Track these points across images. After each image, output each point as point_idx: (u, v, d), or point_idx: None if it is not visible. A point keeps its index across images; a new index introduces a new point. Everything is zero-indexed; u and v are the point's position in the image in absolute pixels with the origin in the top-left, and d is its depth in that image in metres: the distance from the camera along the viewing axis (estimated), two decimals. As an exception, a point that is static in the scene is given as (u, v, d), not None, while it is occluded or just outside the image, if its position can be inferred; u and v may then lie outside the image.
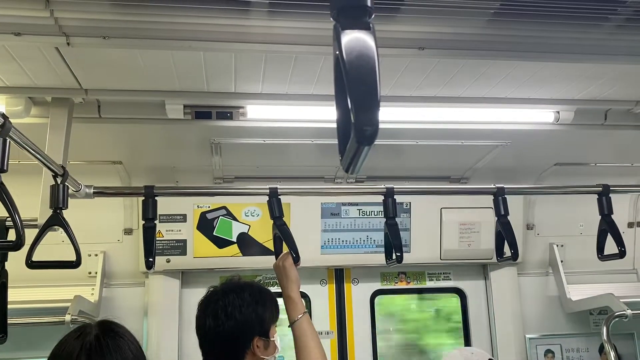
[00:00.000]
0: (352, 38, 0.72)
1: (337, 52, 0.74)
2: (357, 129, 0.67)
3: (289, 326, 2.25)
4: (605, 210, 2.50)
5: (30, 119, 2.57)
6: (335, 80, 0.77)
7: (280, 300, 2.30)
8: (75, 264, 2.04)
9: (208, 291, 2.26)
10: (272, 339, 2.19)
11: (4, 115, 1.53)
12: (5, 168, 1.49)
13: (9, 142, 1.55)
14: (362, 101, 0.68)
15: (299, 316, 2.21)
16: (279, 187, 2.32)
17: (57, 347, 1.67)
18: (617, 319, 3.26)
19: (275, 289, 2.60)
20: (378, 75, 0.70)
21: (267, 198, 2.32)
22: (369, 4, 0.76)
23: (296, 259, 2.28)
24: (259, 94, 2.60)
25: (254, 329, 2.15)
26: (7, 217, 2.06)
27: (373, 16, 0.75)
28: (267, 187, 2.33)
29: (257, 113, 2.80)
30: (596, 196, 2.54)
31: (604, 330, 3.22)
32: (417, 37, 2.07)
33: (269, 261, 2.49)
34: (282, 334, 2.30)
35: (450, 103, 2.76)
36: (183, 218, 3.45)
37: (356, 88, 0.68)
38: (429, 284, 3.85)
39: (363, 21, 0.74)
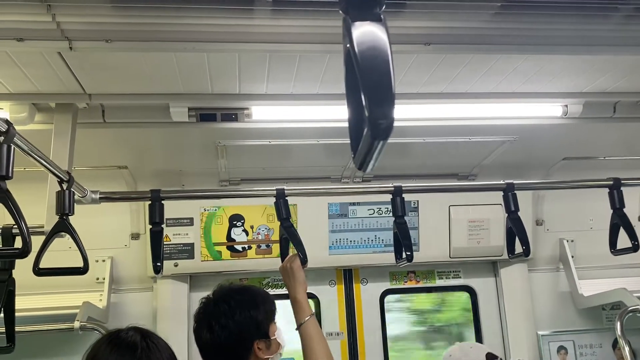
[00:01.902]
0: (363, 30, 0.69)
1: (348, 46, 0.71)
2: (371, 123, 0.65)
3: (296, 329, 2.23)
4: (617, 203, 2.47)
5: (35, 125, 2.56)
6: (346, 76, 0.74)
7: (284, 301, 2.28)
8: (82, 270, 2.03)
9: (201, 302, 2.23)
10: (273, 337, 2.16)
11: (8, 122, 1.52)
12: (10, 175, 1.48)
13: (14, 149, 1.54)
14: (376, 94, 0.65)
15: (306, 318, 2.19)
16: (285, 188, 2.31)
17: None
18: (630, 314, 3.22)
19: (281, 292, 2.59)
20: (392, 67, 0.67)
21: (273, 199, 2.30)
22: (379, -6, 0.74)
23: (304, 261, 2.26)
24: (264, 94, 2.58)
25: (252, 334, 2.12)
26: (14, 225, 2.06)
27: (384, 7, 0.73)
28: (274, 188, 2.31)
29: (262, 114, 2.78)
30: (606, 190, 2.51)
31: (617, 326, 3.19)
32: (423, 33, 2.05)
33: (276, 263, 2.47)
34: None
35: (456, 99, 2.73)
36: (190, 221, 3.43)
37: (369, 81, 0.66)
38: (439, 282, 3.82)
39: (374, 12, 0.72)
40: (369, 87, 0.65)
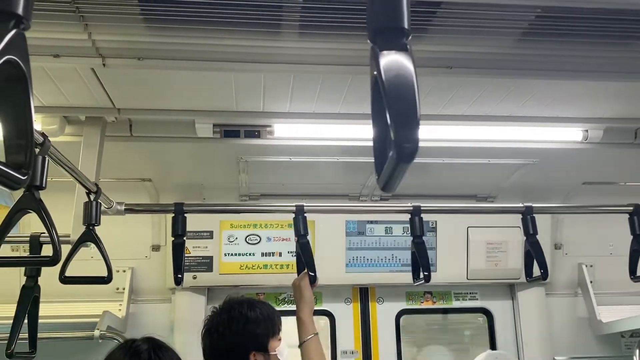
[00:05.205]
0: (390, 59, 0.73)
1: (375, 73, 0.75)
2: (397, 146, 0.68)
3: (298, 346, 2.24)
4: (637, 230, 2.46)
5: (64, 137, 2.64)
6: (373, 101, 0.78)
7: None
8: (106, 280, 2.07)
9: (211, 310, 2.31)
10: (273, 352, 2.18)
11: (44, 135, 1.59)
12: (44, 186, 1.54)
13: (48, 160, 1.60)
14: (402, 119, 0.69)
15: (308, 337, 2.22)
16: (305, 204, 2.34)
17: None
18: (649, 342, 3.17)
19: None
20: (417, 94, 0.71)
21: (291, 215, 2.34)
22: (406, 26, 0.78)
23: (313, 279, 2.29)
24: (287, 112, 2.63)
25: (248, 345, 2.16)
26: (41, 233, 2.12)
27: (410, 37, 0.77)
28: (294, 204, 2.35)
29: (284, 132, 2.84)
30: (626, 216, 2.50)
31: (636, 353, 3.15)
32: (445, 57, 2.09)
33: (293, 279, 2.49)
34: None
35: (477, 121, 2.76)
36: (209, 235, 3.48)
37: (396, 107, 0.70)
38: (455, 303, 3.79)
39: (401, 43, 0.76)
40: (396, 113, 0.69)
